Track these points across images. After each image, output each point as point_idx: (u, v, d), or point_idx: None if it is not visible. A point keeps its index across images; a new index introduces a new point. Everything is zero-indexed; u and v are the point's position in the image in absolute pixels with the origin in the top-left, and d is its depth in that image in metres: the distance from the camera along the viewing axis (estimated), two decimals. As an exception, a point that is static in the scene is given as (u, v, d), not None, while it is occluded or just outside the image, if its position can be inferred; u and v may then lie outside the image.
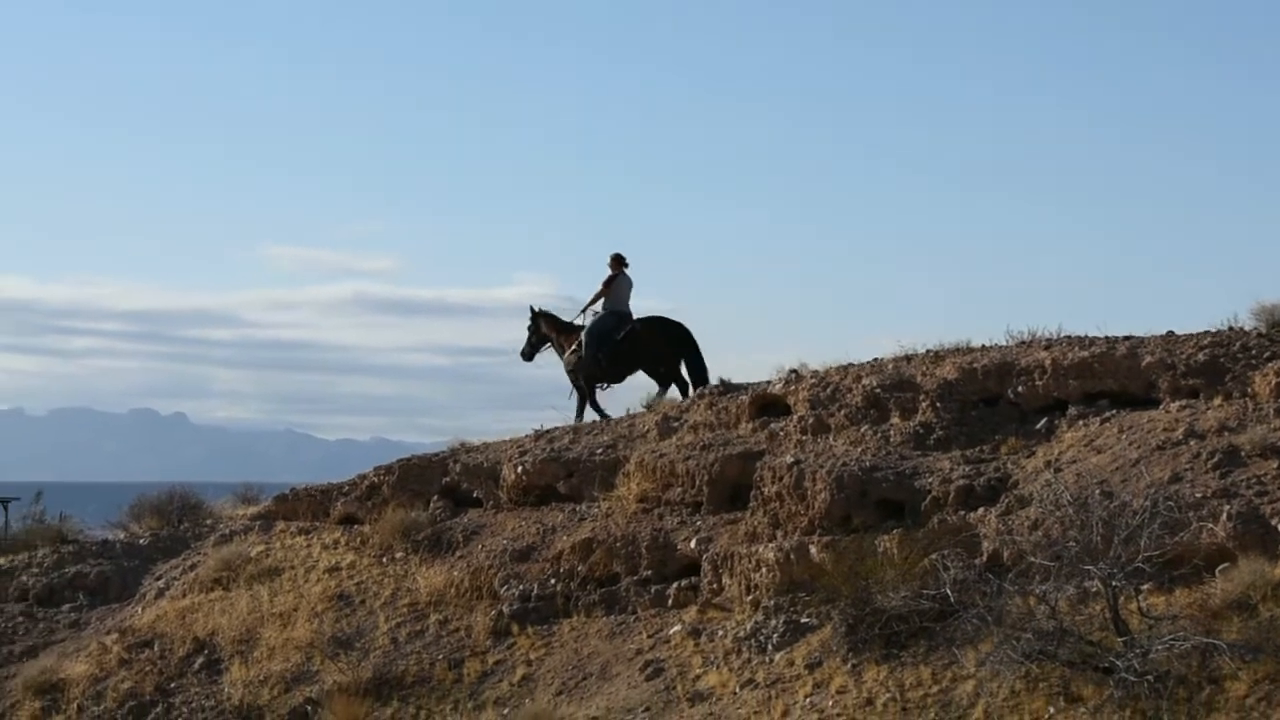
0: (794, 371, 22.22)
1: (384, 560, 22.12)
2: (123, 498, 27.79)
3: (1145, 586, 15.77)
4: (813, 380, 21.48)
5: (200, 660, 20.80)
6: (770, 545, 18.59)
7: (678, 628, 18.63)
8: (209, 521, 25.63)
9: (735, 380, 23.06)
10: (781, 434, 20.80)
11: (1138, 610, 15.54)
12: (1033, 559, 16.06)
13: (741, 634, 17.81)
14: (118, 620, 22.65)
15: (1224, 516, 16.19)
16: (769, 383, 22.24)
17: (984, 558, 17.06)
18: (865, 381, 20.74)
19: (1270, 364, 18.53)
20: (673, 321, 25.60)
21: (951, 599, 16.20)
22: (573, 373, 25.71)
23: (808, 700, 16.30)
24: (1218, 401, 18.45)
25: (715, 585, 19.05)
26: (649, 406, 24.13)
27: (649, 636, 18.76)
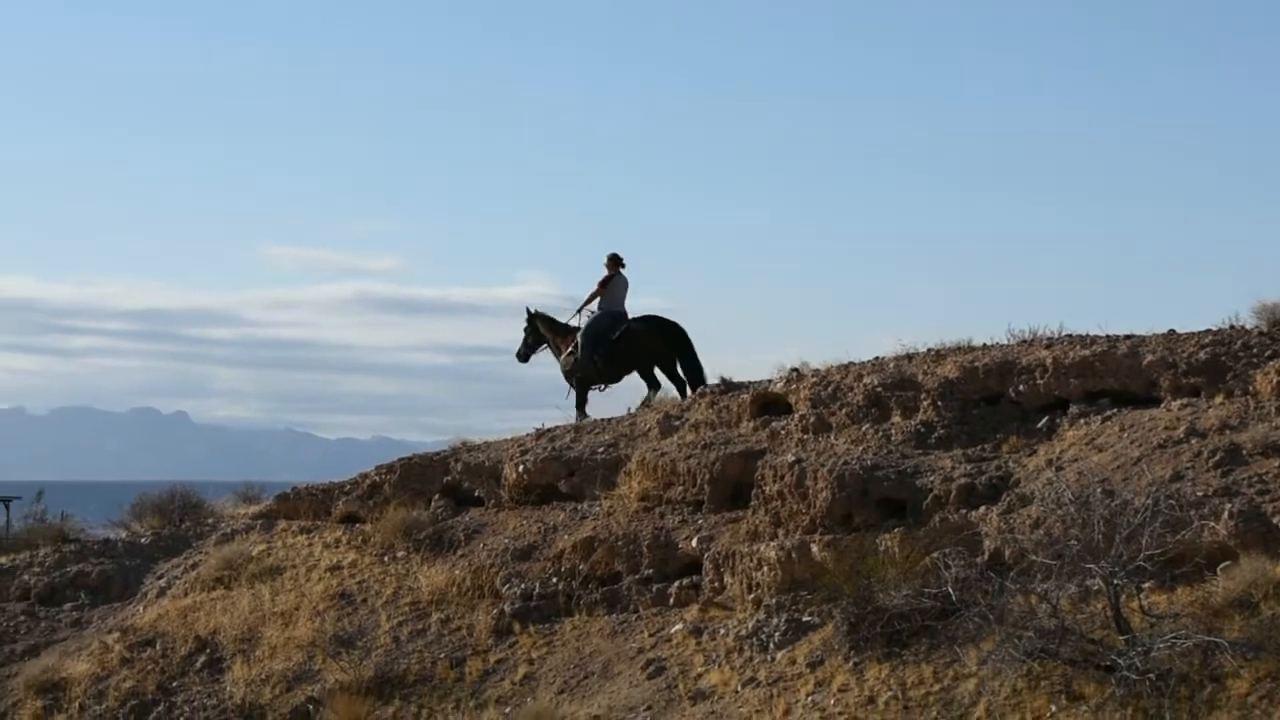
0: (795, 370, 22.23)
1: (385, 559, 22.13)
2: (124, 497, 27.81)
3: (1147, 585, 15.77)
4: (814, 379, 21.49)
5: (202, 659, 20.80)
6: (772, 544, 18.59)
7: (679, 626, 18.63)
8: (210, 520, 25.64)
9: (736, 379, 23.09)
10: (783, 433, 20.80)
11: (1139, 608, 15.54)
12: (1034, 557, 16.05)
13: (743, 632, 17.81)
14: (119, 619, 22.65)
15: (1225, 515, 16.19)
16: (770, 381, 22.25)
17: (985, 556, 17.06)
18: (867, 380, 20.75)
19: (1271, 362, 18.53)
20: (668, 321, 25.63)
21: (953, 597, 16.20)
22: (569, 374, 25.76)
23: (809, 699, 16.30)
24: (1219, 400, 18.46)
25: (717, 584, 19.06)
26: (645, 405, 24.20)
27: (651, 635, 18.77)
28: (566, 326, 26.13)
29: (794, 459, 19.40)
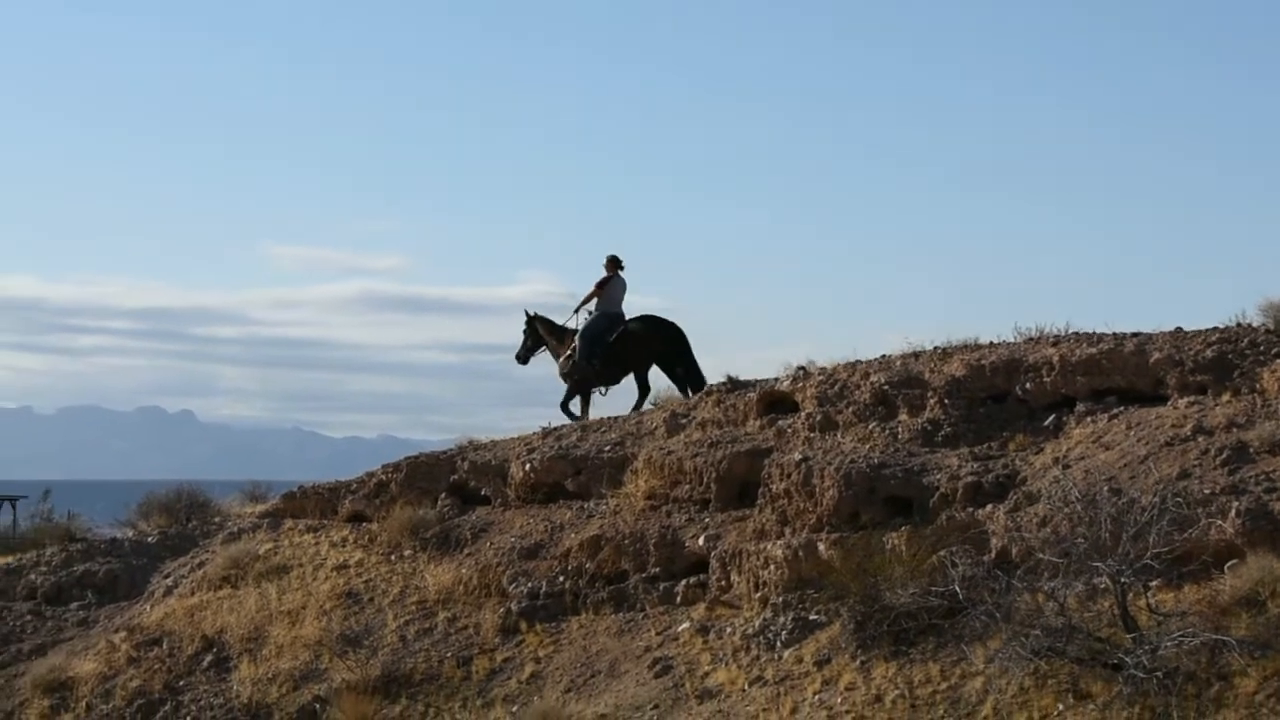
0: (802, 368, 22.21)
1: (392, 558, 22.12)
2: (130, 496, 27.86)
3: (1154, 583, 15.76)
4: (820, 377, 21.47)
5: (209, 658, 20.81)
6: (779, 542, 18.58)
7: (686, 625, 18.63)
8: (217, 519, 25.66)
9: (743, 377, 23.07)
10: (789, 431, 20.79)
11: (1146, 607, 15.53)
12: (1041, 556, 16.04)
13: (750, 631, 17.80)
14: (126, 618, 22.67)
15: (1232, 513, 16.16)
16: (777, 380, 22.23)
17: (992, 554, 17.05)
18: (873, 378, 20.73)
19: (1278, 360, 18.51)
20: (666, 321, 25.66)
21: (960, 596, 16.19)
22: (566, 375, 25.82)
23: (816, 697, 16.29)
24: (1226, 398, 18.43)
25: (724, 582, 19.05)
26: (637, 407, 24.28)
27: (657, 634, 18.76)
28: (565, 329, 26.23)
29: (801, 457, 19.38)
